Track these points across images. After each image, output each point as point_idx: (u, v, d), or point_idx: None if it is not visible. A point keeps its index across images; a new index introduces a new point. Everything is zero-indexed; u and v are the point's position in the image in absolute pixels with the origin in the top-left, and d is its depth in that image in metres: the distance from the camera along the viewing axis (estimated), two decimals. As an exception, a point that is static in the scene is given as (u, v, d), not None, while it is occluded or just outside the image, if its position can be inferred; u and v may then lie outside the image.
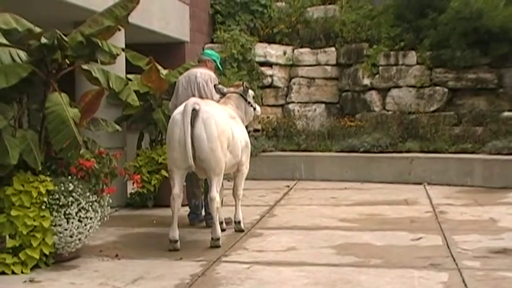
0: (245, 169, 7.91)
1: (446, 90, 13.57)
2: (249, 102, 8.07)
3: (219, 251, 6.84)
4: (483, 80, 13.34)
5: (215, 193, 7.02)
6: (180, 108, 7.07)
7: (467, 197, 10.18)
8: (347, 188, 11.26)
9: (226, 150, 7.09)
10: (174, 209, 7.10)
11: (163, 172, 9.40)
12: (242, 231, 7.87)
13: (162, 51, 12.26)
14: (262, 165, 12.35)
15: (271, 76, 14.84)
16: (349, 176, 12.13)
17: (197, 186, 8.39)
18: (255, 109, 8.21)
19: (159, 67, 9.67)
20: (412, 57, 13.82)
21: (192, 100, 7.06)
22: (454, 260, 6.30)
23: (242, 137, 7.66)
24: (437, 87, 13.62)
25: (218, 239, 7.09)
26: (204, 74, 8.15)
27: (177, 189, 7.13)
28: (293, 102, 14.81)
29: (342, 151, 12.53)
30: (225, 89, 8.17)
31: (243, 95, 8.03)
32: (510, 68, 13.32)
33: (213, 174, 7.03)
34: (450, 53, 13.35)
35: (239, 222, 7.94)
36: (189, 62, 10.55)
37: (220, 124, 7.00)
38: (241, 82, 8.36)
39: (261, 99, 14.44)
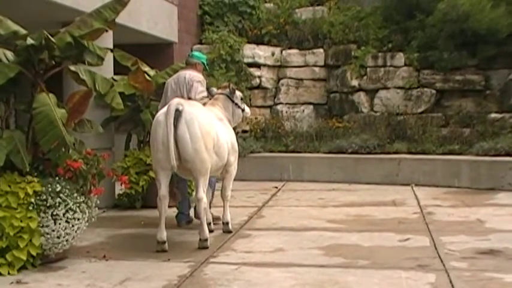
0: (233, 170, 7.89)
1: (433, 91, 13.61)
2: (236, 104, 8.07)
3: (207, 252, 6.83)
4: (470, 81, 13.40)
5: (202, 194, 6.99)
6: (164, 109, 7.05)
7: (454, 198, 10.21)
8: (335, 189, 11.28)
9: (211, 151, 7.07)
10: (161, 210, 7.07)
11: (151, 173, 9.35)
12: (230, 232, 7.86)
13: (151, 52, 12.24)
14: (251, 166, 12.36)
15: (259, 77, 14.82)
16: (337, 177, 12.15)
17: (177, 187, 8.31)
18: (243, 110, 8.22)
19: (147, 68, 9.67)
20: (400, 58, 13.86)
21: (176, 101, 7.02)
22: (442, 261, 6.31)
23: (229, 139, 7.64)
24: (425, 89, 13.67)
25: (206, 240, 7.09)
26: (193, 76, 8.14)
27: (164, 190, 7.08)
28: (281, 103, 14.81)
29: (330, 152, 12.54)
30: (214, 91, 8.18)
31: (230, 97, 8.04)
32: (497, 69, 13.39)
33: (199, 175, 7.00)
34: (438, 55, 13.40)
35: (227, 223, 7.93)
36: (177, 63, 10.55)
37: (204, 125, 6.97)
38: (228, 84, 8.36)
39: (249, 100, 14.43)
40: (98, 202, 6.95)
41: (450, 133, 12.71)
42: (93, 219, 6.83)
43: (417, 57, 13.70)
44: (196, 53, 8.90)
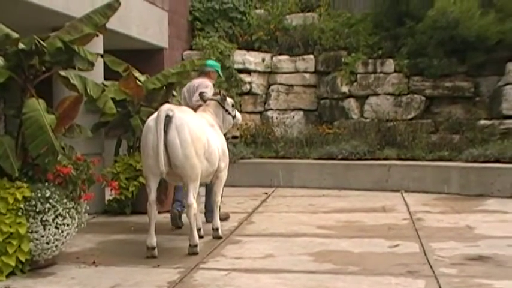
0: (224, 176, 7.89)
1: (423, 98, 13.68)
2: (226, 110, 8.10)
3: (196, 258, 6.82)
4: (460, 88, 13.47)
5: (192, 199, 6.98)
6: (154, 115, 7.04)
7: (444, 204, 10.23)
8: (325, 195, 11.29)
9: (202, 157, 7.09)
10: (151, 215, 7.05)
11: (141, 179, 9.35)
12: (220, 238, 7.86)
13: (141, 58, 12.25)
14: (241, 172, 12.34)
15: (249, 83, 14.84)
16: (327, 183, 12.15)
17: (165, 193, 8.25)
18: (234, 117, 8.25)
19: (137, 73, 9.66)
20: (390, 65, 13.92)
21: (166, 106, 7.02)
22: (431, 267, 6.32)
23: (220, 145, 7.66)
24: (415, 95, 13.72)
25: (196, 246, 7.06)
26: (201, 83, 8.46)
27: (153, 196, 7.07)
28: (271, 109, 14.82)
29: (320, 158, 12.55)
30: (206, 96, 8.20)
31: (221, 103, 8.07)
32: (486, 76, 13.48)
33: (189, 181, 6.99)
34: (427, 61, 13.47)
35: (217, 229, 7.91)
36: (167, 69, 10.54)
37: (195, 131, 6.96)
38: (219, 90, 8.39)
39: (240, 106, 14.43)
40: (88, 208, 6.92)
41: (440, 139, 12.74)
42: (82, 225, 6.81)
43: (407, 63, 13.76)
44: (210, 62, 9.24)
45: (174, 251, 7.27)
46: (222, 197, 8.09)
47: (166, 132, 6.78)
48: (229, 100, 8.20)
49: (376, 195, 11.20)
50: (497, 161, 11.15)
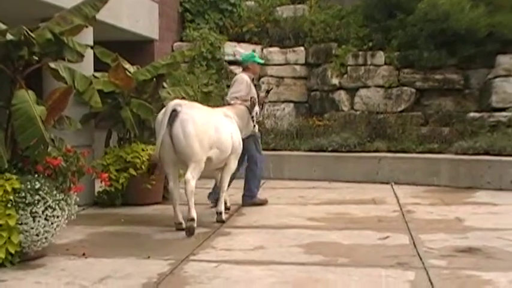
0: (233, 165, 8.52)
1: (413, 90, 13.71)
2: (252, 117, 8.84)
3: (187, 250, 6.81)
4: (450, 80, 13.50)
5: (189, 176, 7.54)
6: (163, 109, 7.76)
7: (433, 196, 10.27)
8: (315, 187, 11.29)
9: (206, 146, 7.70)
10: (173, 199, 7.82)
11: (132, 170, 9.36)
12: (223, 222, 8.27)
13: (131, 49, 12.21)
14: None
15: (240, 75, 14.81)
16: (317, 175, 12.17)
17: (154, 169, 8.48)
18: (254, 126, 8.98)
19: (127, 65, 9.64)
20: (380, 57, 13.94)
21: (174, 102, 7.72)
22: (421, 259, 6.34)
23: (234, 135, 8.31)
24: (405, 88, 13.75)
25: (193, 220, 7.51)
26: (239, 78, 9.22)
27: (172, 183, 7.83)
28: (262, 101, 14.80)
29: (310, 150, 12.55)
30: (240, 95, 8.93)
31: (249, 109, 8.80)
32: (476, 69, 13.52)
33: (190, 162, 7.60)
34: (418, 54, 13.50)
35: (220, 213, 8.36)
36: (158, 60, 10.50)
37: (200, 124, 7.59)
38: (251, 98, 8.90)
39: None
40: (78, 199, 6.89)
41: (430, 132, 12.78)
42: (72, 216, 6.78)
43: (397, 56, 13.79)
44: (243, 55, 10.11)
45: (165, 242, 7.27)
46: (229, 187, 8.81)
47: (172, 125, 7.49)
48: (256, 108, 8.88)
49: (366, 188, 11.22)
50: (486, 153, 11.19)
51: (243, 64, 9.58)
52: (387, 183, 11.56)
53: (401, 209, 9.20)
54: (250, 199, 9.53)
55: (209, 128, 7.78)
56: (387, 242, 7.14)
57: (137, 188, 9.47)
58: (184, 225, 7.63)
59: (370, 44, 14.20)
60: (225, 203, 8.63)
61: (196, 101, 9.60)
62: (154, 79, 9.92)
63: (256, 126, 9.17)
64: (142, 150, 9.56)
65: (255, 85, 9.54)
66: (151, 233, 7.60)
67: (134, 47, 12.84)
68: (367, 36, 14.38)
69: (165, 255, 6.60)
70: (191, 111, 7.67)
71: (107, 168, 9.40)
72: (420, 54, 13.46)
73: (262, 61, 10.13)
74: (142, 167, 9.40)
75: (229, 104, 8.88)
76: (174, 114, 7.53)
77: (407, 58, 13.66)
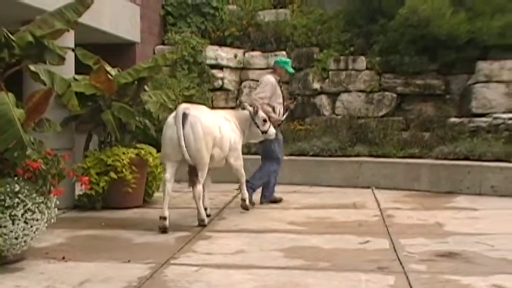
0: (237, 165, 9.06)
1: (395, 95, 13.76)
2: (255, 123, 9.22)
3: (167, 254, 6.79)
4: (431, 86, 13.57)
5: (199, 179, 8.13)
6: (173, 113, 8.27)
7: (414, 201, 10.31)
8: (296, 192, 11.30)
9: (210, 147, 8.23)
10: (165, 191, 8.14)
11: (112, 174, 9.33)
12: (247, 209, 9.21)
13: (113, 52, 12.17)
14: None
15: (221, 79, 14.85)
16: (298, 179, 12.17)
17: (196, 175, 8.69)
18: (265, 132, 9.31)
19: (109, 68, 9.60)
20: (362, 62, 13.98)
21: (183, 106, 8.27)
22: (401, 263, 6.36)
23: (232, 136, 8.80)
24: (386, 93, 13.80)
25: (203, 220, 8.23)
26: (263, 79, 9.91)
27: (168, 175, 8.20)
28: (243, 105, 14.80)
29: (291, 154, 12.54)
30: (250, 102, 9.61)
31: (251, 115, 9.21)
32: (457, 74, 13.59)
33: (198, 168, 8.15)
34: (399, 59, 13.55)
35: (244, 200, 9.26)
36: (139, 64, 10.48)
37: (206, 126, 8.17)
38: (253, 106, 9.31)
39: (211, 101, 14.42)
40: (58, 203, 6.86)
41: (410, 137, 12.82)
42: (52, 220, 6.75)
43: (379, 61, 13.83)
44: (278, 58, 10.78)
45: (146, 246, 7.25)
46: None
47: (182, 127, 7.99)
48: (261, 114, 9.24)
49: (347, 192, 11.25)
50: (466, 158, 11.24)
51: (273, 65, 10.28)
52: (368, 187, 11.59)
53: (381, 213, 9.22)
54: (250, 187, 9.71)
55: (214, 128, 8.33)
56: (368, 247, 7.16)
57: (118, 192, 9.44)
58: (167, 222, 7.94)
59: (352, 48, 14.25)
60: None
61: (178, 104, 9.59)
62: (136, 82, 9.90)
63: (273, 130, 9.39)
64: (123, 153, 9.52)
65: (280, 86, 9.95)
66: (132, 236, 7.58)
67: (116, 50, 12.80)
68: (348, 41, 14.43)
69: (145, 259, 6.58)
70: (198, 113, 8.21)
71: (88, 171, 9.36)
72: (401, 59, 13.51)
73: (292, 72, 10.69)
74: (123, 170, 9.38)
75: (250, 105, 9.38)
76: (184, 117, 8.03)
77: (388, 63, 13.71)
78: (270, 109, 9.61)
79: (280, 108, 9.86)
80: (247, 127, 9.25)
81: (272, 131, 9.39)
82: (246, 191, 9.31)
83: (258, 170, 10.00)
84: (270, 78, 9.79)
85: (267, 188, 10.07)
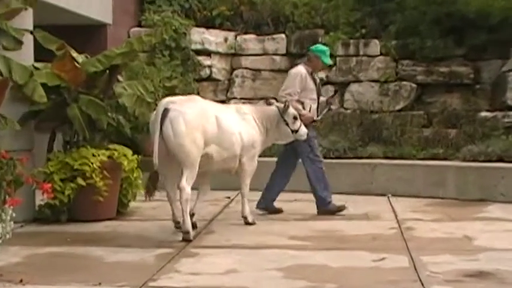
0: (247, 167, 9.22)
1: (414, 85, 13.77)
2: (284, 121, 9.33)
3: (145, 275, 6.77)
4: (457, 74, 13.57)
5: (184, 183, 8.20)
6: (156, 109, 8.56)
7: (438, 210, 10.32)
8: (298, 200, 11.29)
9: (200, 144, 8.34)
10: (170, 201, 8.74)
11: (80, 180, 9.29)
12: (250, 224, 9.27)
13: (80, 35, 12.14)
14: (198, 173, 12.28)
15: (209, 67, 14.83)
16: (300, 185, 12.07)
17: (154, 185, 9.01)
18: (295, 131, 9.42)
19: (75, 54, 9.57)
20: (375, 46, 13.99)
21: (166, 99, 8.52)
22: (422, 285, 6.36)
23: (245, 134, 8.99)
24: (404, 82, 13.81)
25: (187, 232, 8.22)
26: (292, 71, 10.10)
27: (168, 186, 8.67)
28: (235, 98, 14.79)
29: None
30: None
31: (280, 112, 9.35)
32: (488, 60, 13.58)
33: (184, 166, 8.31)
34: (419, 43, 13.55)
35: (246, 217, 9.33)
36: (111, 49, 10.46)
37: (192, 120, 8.27)
38: (285, 101, 9.46)
39: (198, 94, 14.40)
40: (14, 215, 6.84)
41: (433, 134, 12.85)
42: (7, 235, 6.74)
43: (395, 45, 13.85)
44: (313, 46, 10.50)
45: (119, 266, 7.23)
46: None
47: (162, 125, 8.21)
48: (291, 111, 9.36)
49: (358, 200, 11.25)
50: (500, 159, 11.28)
51: (308, 54, 10.29)
52: (383, 195, 11.60)
53: (399, 225, 9.24)
54: (323, 207, 10.06)
55: (205, 122, 8.43)
56: (383, 265, 7.17)
57: (86, 201, 9.41)
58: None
59: (363, 30, 14.26)
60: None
61: (158, 97, 9.61)
62: (107, 71, 9.88)
63: (304, 129, 9.50)
64: (93, 155, 9.49)
65: (313, 78, 10.02)
66: (103, 254, 7.56)
67: (83, 33, 12.78)
68: (359, 21, 14.44)
69: (118, 281, 6.57)
70: (182, 107, 8.31)
71: (51, 177, 9.33)
72: (422, 42, 13.52)
73: (329, 62, 10.54)
74: (93, 176, 9.35)
75: (278, 101, 9.61)
76: (165, 112, 8.22)
77: (407, 47, 13.72)
78: (300, 106, 9.71)
79: (312, 105, 9.92)
80: (274, 125, 9.41)
81: (303, 130, 9.50)
82: (247, 205, 9.39)
83: (313, 187, 10.24)
84: (301, 70, 9.89)
85: (268, 192, 10.32)
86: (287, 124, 9.37)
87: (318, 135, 11.32)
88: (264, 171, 10.19)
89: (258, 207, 10.18)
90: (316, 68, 10.18)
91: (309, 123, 9.74)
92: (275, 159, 10.60)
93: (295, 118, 9.39)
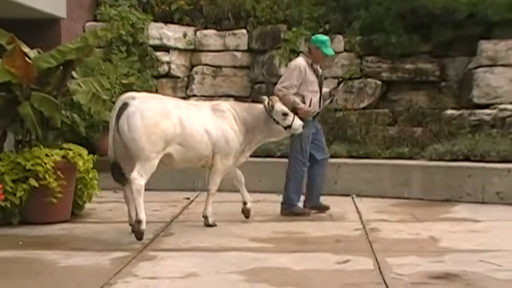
0: (219, 165, 9.26)
1: (379, 82, 13.84)
2: (274, 119, 9.35)
3: (101, 279, 6.73)
4: (423, 71, 13.65)
5: (136, 174, 8.25)
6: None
7: (403, 211, 10.38)
8: (260, 201, 11.30)
9: (157, 142, 8.39)
10: (127, 202, 8.75)
11: (32, 181, 9.21)
12: (211, 226, 9.26)
13: (32, 29, 12.02)
14: (157, 173, 12.18)
15: (168, 63, 14.81)
16: (263, 185, 12.14)
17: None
18: (289, 127, 9.41)
19: (27, 49, 9.50)
20: (339, 42, 14.02)
21: (126, 94, 8.61)
22: (387, 287, 6.39)
23: (216, 132, 9.01)
24: (369, 79, 13.88)
25: (139, 222, 8.18)
26: (291, 64, 10.18)
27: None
28: (195, 95, 14.79)
29: (255, 156, 12.47)
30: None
31: (267, 110, 9.40)
32: (454, 57, 13.67)
33: (136, 159, 8.34)
34: (384, 39, 13.61)
35: (206, 217, 9.35)
36: (65, 44, 10.38)
37: (150, 117, 8.36)
38: (269, 99, 9.53)
39: (156, 91, 14.35)
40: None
41: (399, 133, 12.91)
42: (-44, 238, 6.67)
43: (359, 41, 13.90)
44: (313, 37, 10.52)
45: (74, 270, 7.18)
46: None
47: (118, 119, 8.32)
48: (278, 108, 9.38)
49: (322, 201, 11.26)
50: (466, 159, 11.34)
51: (308, 45, 10.52)
52: (347, 195, 11.65)
53: (364, 226, 9.27)
54: (288, 207, 10.10)
55: (165, 120, 8.48)
56: (347, 267, 7.19)
57: (39, 203, 9.34)
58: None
59: (327, 26, 14.29)
60: (205, 217, 9.32)
61: (115, 94, 9.55)
62: (61, 67, 9.81)
63: (299, 123, 9.45)
64: (47, 155, 9.42)
65: (314, 70, 9.99)
66: (57, 258, 7.49)
67: (35, 27, 12.66)
68: (322, 16, 14.48)
69: (73, 287, 6.52)
70: (142, 104, 8.44)
71: (1, 178, 9.25)
72: (387, 39, 13.58)
73: (331, 53, 10.40)
74: (46, 176, 9.27)
75: (276, 96, 9.69)
76: (124, 107, 8.34)
77: (371, 44, 13.78)
78: (298, 99, 9.74)
79: (312, 97, 9.91)
80: (261, 124, 9.47)
81: (298, 123, 9.47)
82: (211, 205, 9.43)
83: (286, 185, 10.31)
84: (300, 62, 9.94)
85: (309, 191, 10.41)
86: (277, 122, 9.40)
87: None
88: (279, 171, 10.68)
89: (305, 206, 10.28)
90: (317, 59, 10.09)
91: (308, 117, 9.80)
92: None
93: (284, 114, 9.39)
